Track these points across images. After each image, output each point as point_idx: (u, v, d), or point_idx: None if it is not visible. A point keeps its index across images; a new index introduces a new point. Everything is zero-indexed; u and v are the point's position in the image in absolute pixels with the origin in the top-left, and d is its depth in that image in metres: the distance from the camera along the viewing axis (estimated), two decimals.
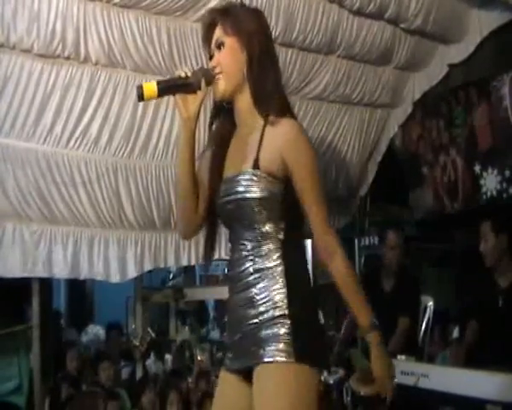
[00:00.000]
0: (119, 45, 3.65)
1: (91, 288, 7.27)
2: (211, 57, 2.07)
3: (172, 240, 4.51)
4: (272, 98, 2.00)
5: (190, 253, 4.60)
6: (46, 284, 4.58)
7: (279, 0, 3.90)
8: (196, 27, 3.85)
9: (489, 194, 4.58)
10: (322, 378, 4.93)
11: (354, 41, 4.37)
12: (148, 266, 4.43)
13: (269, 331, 1.91)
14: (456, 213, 4.97)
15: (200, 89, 1.98)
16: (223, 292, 6.58)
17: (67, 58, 3.59)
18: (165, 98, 3.90)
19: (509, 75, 4.34)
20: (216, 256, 4.80)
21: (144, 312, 5.25)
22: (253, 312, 1.95)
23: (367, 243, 6.10)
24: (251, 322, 1.95)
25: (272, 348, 1.89)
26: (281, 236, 1.98)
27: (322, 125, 4.73)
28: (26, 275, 4.08)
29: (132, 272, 4.37)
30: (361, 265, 6.01)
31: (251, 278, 1.97)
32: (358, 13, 4.22)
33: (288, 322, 1.90)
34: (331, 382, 4.72)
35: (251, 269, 1.98)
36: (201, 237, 4.65)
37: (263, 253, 1.97)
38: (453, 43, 4.77)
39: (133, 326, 5.34)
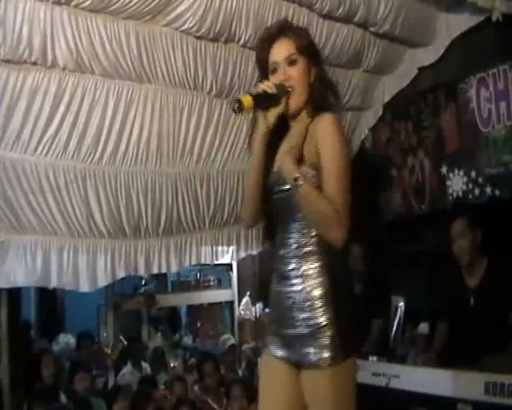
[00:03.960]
0: (87, 50, 3.60)
1: (62, 296, 7.16)
2: (274, 70, 2.22)
3: (143, 248, 4.47)
4: (329, 107, 2.23)
5: (161, 261, 4.58)
6: (15, 294, 4.49)
7: (249, 4, 3.89)
8: (165, 32, 3.84)
9: (455, 195, 4.64)
10: None
11: (324, 45, 4.37)
12: (118, 275, 4.39)
13: (317, 338, 2.11)
14: (424, 214, 5.01)
15: (280, 103, 2.17)
16: (195, 298, 6.61)
17: (34, 63, 3.53)
18: (135, 105, 3.95)
19: (476, 77, 4.40)
20: (194, 262, 4.84)
21: (116, 319, 5.19)
22: (300, 315, 2.14)
23: None
24: (300, 324, 2.14)
25: (321, 352, 2.10)
26: None
27: None
28: None
29: (102, 281, 4.33)
30: None
31: (296, 281, 2.16)
32: (328, 16, 4.23)
33: (332, 329, 2.10)
34: None
35: (296, 272, 2.16)
36: (172, 245, 4.68)
37: (307, 255, 2.15)
38: (422, 46, 4.83)
39: (104, 334, 5.27)
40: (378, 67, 4.90)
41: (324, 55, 4.43)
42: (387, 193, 5.29)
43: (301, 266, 2.16)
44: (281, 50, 2.22)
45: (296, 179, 2.07)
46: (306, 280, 2.14)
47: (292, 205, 2.17)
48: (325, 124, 2.15)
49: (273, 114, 2.19)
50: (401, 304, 4.93)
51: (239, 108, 2.11)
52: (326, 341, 2.11)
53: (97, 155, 3.98)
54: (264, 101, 2.17)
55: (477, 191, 4.46)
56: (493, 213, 4.19)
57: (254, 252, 5.38)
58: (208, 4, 3.72)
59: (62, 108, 3.74)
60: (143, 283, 6.02)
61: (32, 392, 4.49)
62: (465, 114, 4.51)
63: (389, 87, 5.11)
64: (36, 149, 3.78)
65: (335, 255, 2.14)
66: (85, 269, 4.25)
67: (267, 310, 6.49)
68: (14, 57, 3.44)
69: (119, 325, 5.37)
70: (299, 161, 2.14)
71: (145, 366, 5.41)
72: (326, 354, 2.10)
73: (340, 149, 2.12)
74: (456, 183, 4.61)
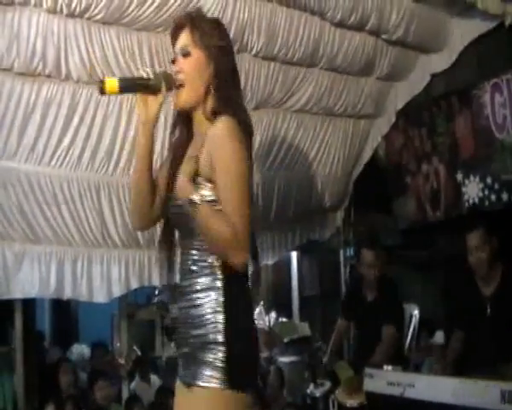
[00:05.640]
0: (100, 62, 3.60)
1: (76, 306, 7.19)
2: (173, 61, 2.06)
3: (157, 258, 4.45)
4: (233, 111, 1.98)
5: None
6: (29, 304, 4.50)
7: (261, 14, 3.89)
8: None
9: (471, 201, 4.60)
10: (308, 391, 4.92)
11: (336, 53, 4.37)
12: (133, 285, 4.39)
13: (207, 356, 1.92)
14: (439, 221, 4.98)
15: (160, 92, 1.99)
16: None
17: (48, 76, 3.54)
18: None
19: (490, 83, 4.37)
20: None
21: (129, 329, 5.19)
22: (194, 332, 1.96)
23: (352, 253, 6.09)
24: (193, 341, 1.97)
25: (208, 373, 1.91)
26: None
27: (306, 137, 4.72)
28: (9, 296, 4.01)
29: (117, 292, 4.33)
30: (346, 275, 6.02)
31: (192, 296, 1.97)
32: (340, 25, 4.22)
33: (225, 349, 1.91)
34: (317, 395, 4.69)
35: (192, 288, 1.97)
36: None
37: (204, 271, 1.96)
38: (434, 52, 4.81)
39: (118, 344, 5.27)
40: (391, 75, 4.88)
41: (337, 63, 4.45)
42: (402, 200, 5.26)
43: (198, 282, 1.97)
44: (179, 42, 2.05)
45: (191, 202, 1.88)
46: (202, 296, 1.95)
47: (186, 220, 1.97)
48: (219, 130, 1.93)
49: (154, 102, 2.00)
50: (416, 312, 4.90)
51: (101, 90, 1.97)
52: (218, 357, 1.90)
53: (111, 166, 3.98)
54: (134, 84, 2.03)
55: (493, 197, 4.41)
56: (510, 219, 4.17)
57: (270, 262, 5.36)
58: (220, 15, 3.71)
59: (76, 119, 3.74)
60: (157, 292, 6.03)
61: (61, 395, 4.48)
62: (479, 119, 4.47)
63: (402, 94, 5.08)
64: (50, 160, 3.79)
65: (234, 273, 1.95)
66: (99, 279, 4.25)
67: (280, 320, 6.51)
68: (28, 70, 3.46)
69: (132, 334, 5.37)
70: (195, 173, 1.94)
71: (154, 378, 5.39)
72: (214, 373, 1.89)
73: (235, 161, 1.89)
74: (472, 189, 4.57)
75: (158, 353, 5.85)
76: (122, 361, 5.07)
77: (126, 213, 4.16)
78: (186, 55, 2.02)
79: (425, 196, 5.04)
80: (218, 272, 1.95)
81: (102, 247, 4.23)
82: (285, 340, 5.98)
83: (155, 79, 1.99)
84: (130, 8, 3.49)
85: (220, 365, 1.89)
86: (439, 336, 5.22)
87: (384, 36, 4.48)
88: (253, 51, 4.05)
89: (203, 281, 1.96)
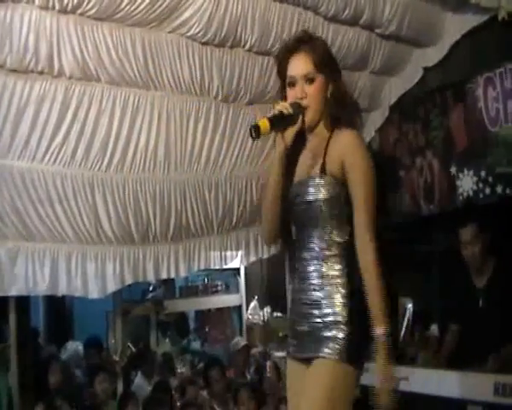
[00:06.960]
0: (93, 58, 3.59)
1: (70, 303, 7.17)
2: (293, 84, 2.31)
3: (151, 254, 4.47)
4: (345, 122, 2.32)
5: (170, 266, 4.57)
6: (23, 301, 4.49)
7: (254, 8, 3.88)
8: (171, 38, 3.83)
9: (465, 194, 4.61)
10: None
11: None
12: (127, 281, 4.39)
13: (329, 333, 2.22)
14: (433, 215, 4.99)
15: (296, 122, 2.28)
16: (203, 303, 6.60)
17: (41, 72, 3.52)
18: (141, 112, 3.95)
19: (484, 77, 4.37)
20: (203, 267, 4.84)
21: (124, 325, 5.19)
22: (317, 312, 2.27)
23: None
24: (316, 321, 2.27)
25: (329, 347, 2.21)
26: (345, 238, 2.27)
27: None
28: (3, 294, 4.00)
29: (111, 287, 4.33)
30: None
31: (317, 281, 2.28)
32: (334, 19, 4.21)
33: (346, 328, 2.21)
34: None
35: (317, 273, 2.29)
36: (180, 251, 4.68)
37: (329, 259, 2.27)
38: (428, 46, 4.81)
39: (113, 341, 5.27)
40: (384, 69, 4.87)
41: None
42: (396, 194, 5.27)
43: (322, 268, 2.27)
44: (298, 65, 2.31)
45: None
46: (327, 281, 2.26)
47: (313, 214, 2.29)
48: (349, 141, 2.27)
49: (290, 133, 2.29)
50: (409, 306, 4.92)
51: (257, 133, 2.19)
52: (339, 335, 2.20)
53: (105, 162, 3.97)
54: (280, 122, 2.25)
55: (487, 191, 4.42)
56: (503, 212, 4.18)
57: (265, 256, 5.35)
58: (214, 10, 3.71)
59: (69, 116, 3.73)
60: (151, 288, 6.03)
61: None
62: (473, 113, 4.47)
63: (396, 88, 5.08)
64: (43, 157, 3.77)
65: (354, 261, 2.24)
66: (94, 275, 4.25)
67: (275, 314, 6.51)
68: (20, 66, 3.43)
69: (127, 331, 5.37)
70: (322, 171, 2.26)
71: (156, 379, 5.39)
72: (336, 346, 2.19)
73: (367, 165, 2.25)
74: (466, 183, 4.58)
75: (153, 349, 5.85)
76: (117, 358, 5.07)
77: (121, 209, 4.17)
78: (310, 81, 2.30)
79: (419, 189, 5.04)
80: (344, 262, 2.26)
81: (96, 243, 4.22)
82: (280, 334, 6.00)
83: (295, 112, 2.26)
84: (123, 4, 3.46)
85: (342, 341, 2.19)
86: (434, 330, 5.23)
87: (377, 30, 4.47)
88: (247, 46, 4.04)
89: (330, 268, 2.27)
